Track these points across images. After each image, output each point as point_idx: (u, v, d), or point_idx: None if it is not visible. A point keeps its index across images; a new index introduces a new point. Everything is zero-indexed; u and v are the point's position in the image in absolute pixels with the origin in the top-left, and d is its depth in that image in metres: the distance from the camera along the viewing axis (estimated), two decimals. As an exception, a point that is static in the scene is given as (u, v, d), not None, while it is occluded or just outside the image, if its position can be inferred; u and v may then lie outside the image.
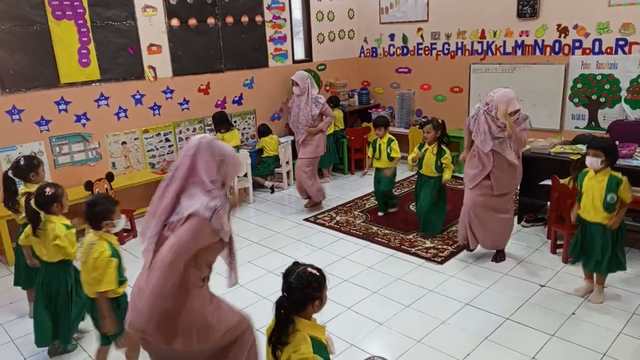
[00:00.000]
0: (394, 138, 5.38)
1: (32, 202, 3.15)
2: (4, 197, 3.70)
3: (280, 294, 1.98)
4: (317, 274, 1.96)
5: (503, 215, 4.20)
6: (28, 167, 3.63)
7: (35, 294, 3.29)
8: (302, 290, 1.90)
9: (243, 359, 2.31)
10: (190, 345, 2.10)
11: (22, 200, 3.34)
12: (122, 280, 2.90)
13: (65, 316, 3.23)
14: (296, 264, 2.00)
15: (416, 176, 5.00)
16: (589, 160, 3.42)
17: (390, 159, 5.30)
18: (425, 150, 4.71)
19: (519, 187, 4.59)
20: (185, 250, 1.99)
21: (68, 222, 3.22)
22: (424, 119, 7.37)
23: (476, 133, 4.00)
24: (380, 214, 5.52)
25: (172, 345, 2.08)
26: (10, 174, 3.63)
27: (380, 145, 5.34)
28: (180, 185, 2.07)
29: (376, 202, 5.69)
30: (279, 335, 1.92)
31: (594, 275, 3.67)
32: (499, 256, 4.33)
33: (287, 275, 1.96)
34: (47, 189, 3.18)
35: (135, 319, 2.07)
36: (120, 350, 2.88)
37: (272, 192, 6.49)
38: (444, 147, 4.67)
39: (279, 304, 1.94)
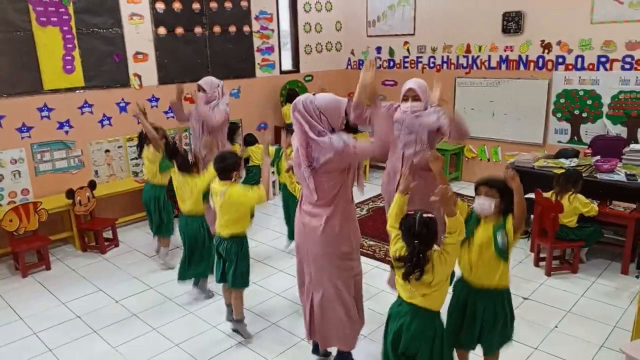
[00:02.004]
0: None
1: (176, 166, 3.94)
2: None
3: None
4: (432, 216, 2.35)
5: None
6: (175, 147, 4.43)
7: (182, 240, 4.00)
8: (429, 232, 2.31)
9: None
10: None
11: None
12: (252, 215, 3.67)
13: (201, 257, 3.94)
14: (408, 215, 2.39)
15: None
16: (479, 201, 2.58)
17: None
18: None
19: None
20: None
21: (200, 183, 3.82)
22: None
23: None
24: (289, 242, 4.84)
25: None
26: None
27: (282, 155, 4.69)
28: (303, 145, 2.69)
29: (362, 213, 5.67)
30: (416, 270, 2.30)
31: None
32: None
33: (410, 226, 2.32)
34: (190, 157, 3.89)
35: None
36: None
37: (257, 202, 6.46)
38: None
39: (416, 252, 2.29)
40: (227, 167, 3.29)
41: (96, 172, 5.63)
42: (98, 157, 5.64)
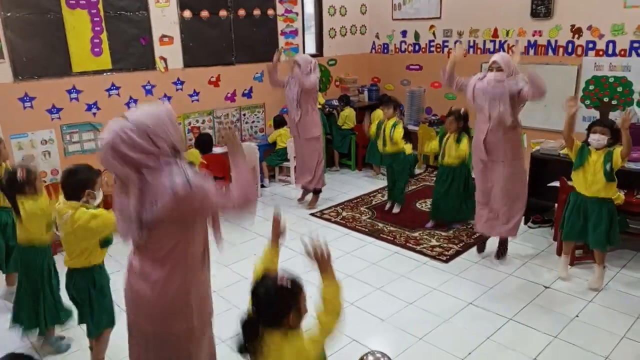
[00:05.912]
0: (400, 121, 5.40)
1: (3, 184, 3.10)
2: None
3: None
4: (289, 286, 1.80)
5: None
6: None
7: (18, 278, 3.23)
8: (274, 304, 1.76)
9: None
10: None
11: None
12: (107, 242, 2.84)
13: (49, 298, 3.14)
14: (265, 277, 1.85)
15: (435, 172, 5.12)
16: (595, 137, 3.61)
17: (393, 143, 5.25)
18: (447, 139, 4.78)
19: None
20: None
21: (42, 205, 3.10)
22: (433, 117, 7.36)
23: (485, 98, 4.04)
24: (387, 206, 5.57)
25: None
26: None
27: (385, 127, 5.32)
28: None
29: (384, 199, 5.72)
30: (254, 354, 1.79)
31: (594, 253, 3.87)
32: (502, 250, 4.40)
33: (255, 289, 1.82)
34: (19, 172, 3.00)
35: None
36: None
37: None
38: (464, 136, 4.74)
39: (246, 322, 1.79)
40: (75, 184, 2.69)
41: (123, 153, 5.74)
42: (124, 139, 5.75)
